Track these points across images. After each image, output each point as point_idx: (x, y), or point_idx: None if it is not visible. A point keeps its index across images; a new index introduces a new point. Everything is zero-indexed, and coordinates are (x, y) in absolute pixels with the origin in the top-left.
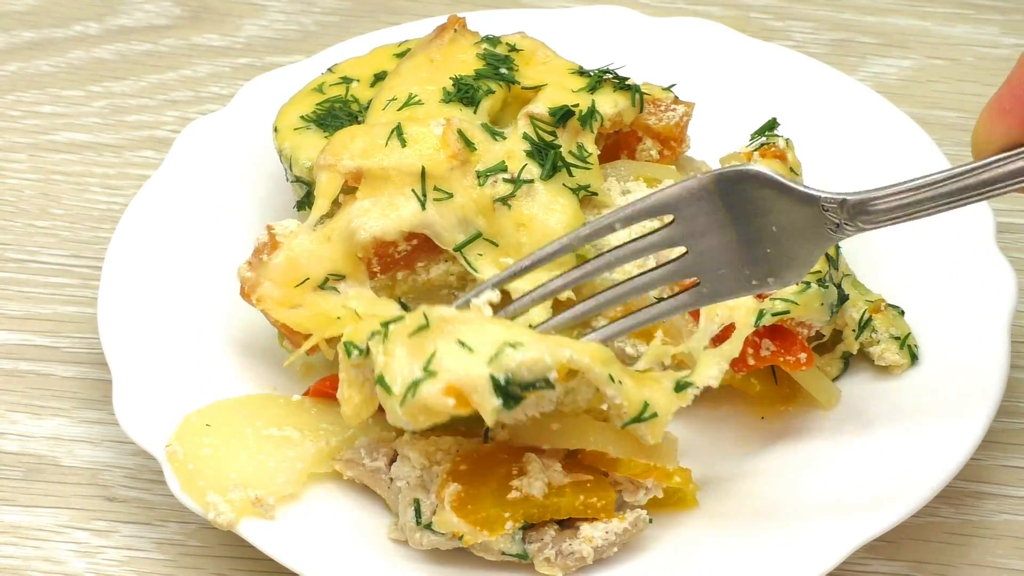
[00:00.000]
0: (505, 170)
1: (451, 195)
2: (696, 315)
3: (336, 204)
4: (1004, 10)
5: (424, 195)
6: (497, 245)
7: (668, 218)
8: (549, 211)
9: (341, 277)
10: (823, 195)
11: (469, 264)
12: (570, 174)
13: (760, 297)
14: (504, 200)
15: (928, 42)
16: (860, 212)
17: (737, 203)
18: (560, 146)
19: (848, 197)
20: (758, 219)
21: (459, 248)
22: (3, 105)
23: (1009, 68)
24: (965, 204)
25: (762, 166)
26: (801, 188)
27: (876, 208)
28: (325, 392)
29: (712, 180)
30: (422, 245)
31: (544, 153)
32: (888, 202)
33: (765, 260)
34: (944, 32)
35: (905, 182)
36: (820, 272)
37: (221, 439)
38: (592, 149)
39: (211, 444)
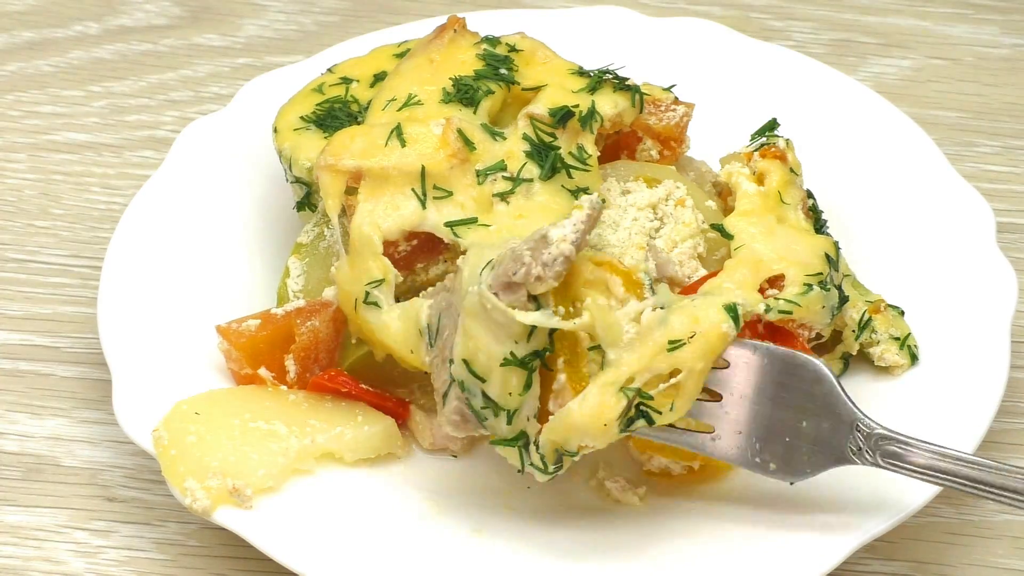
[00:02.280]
0: (504, 169)
1: (450, 193)
2: None
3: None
4: (1004, 10)
5: (424, 194)
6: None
7: (723, 363)
8: (545, 211)
9: (379, 282)
10: (863, 419)
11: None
12: (569, 176)
13: (763, 292)
14: (503, 196)
15: (928, 42)
16: (888, 454)
17: (788, 384)
18: (560, 147)
19: (884, 432)
20: (795, 410)
21: (450, 224)
22: (3, 105)
23: (1009, 68)
24: (995, 500)
25: (826, 365)
26: (848, 402)
27: (907, 457)
28: (323, 386)
29: (778, 355)
30: (421, 246)
31: (544, 154)
32: (921, 456)
33: (779, 447)
34: (944, 32)
35: (948, 449)
36: (821, 274)
37: (207, 427)
38: (592, 151)
39: (196, 432)
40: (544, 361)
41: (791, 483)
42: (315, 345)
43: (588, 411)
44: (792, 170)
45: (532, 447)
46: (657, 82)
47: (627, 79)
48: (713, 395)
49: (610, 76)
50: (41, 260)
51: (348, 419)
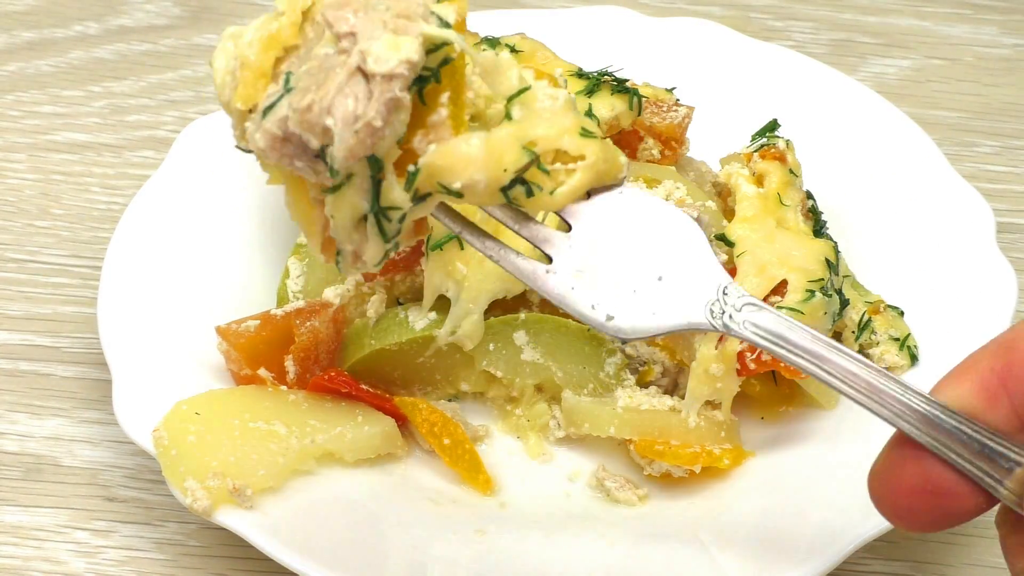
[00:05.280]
0: None
1: None
2: None
3: None
4: (1003, 10)
5: None
6: (463, 248)
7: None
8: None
9: None
10: (732, 283)
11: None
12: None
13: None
14: None
15: (928, 42)
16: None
17: (653, 236)
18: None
19: (752, 301)
20: (654, 264)
21: (434, 248)
22: (3, 105)
23: (1009, 68)
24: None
25: (699, 224)
26: (717, 264)
27: (753, 318)
28: (323, 387)
29: (648, 203)
30: (420, 248)
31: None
32: (766, 319)
33: (623, 298)
34: (944, 32)
35: (794, 322)
36: (823, 280)
37: (208, 427)
38: None
39: (196, 432)
40: (421, 93)
41: (623, 342)
42: (315, 345)
43: (490, 150)
44: (792, 171)
45: (390, 178)
46: (657, 82)
47: (626, 81)
48: (562, 225)
49: (608, 78)
50: (41, 260)
51: (348, 419)
